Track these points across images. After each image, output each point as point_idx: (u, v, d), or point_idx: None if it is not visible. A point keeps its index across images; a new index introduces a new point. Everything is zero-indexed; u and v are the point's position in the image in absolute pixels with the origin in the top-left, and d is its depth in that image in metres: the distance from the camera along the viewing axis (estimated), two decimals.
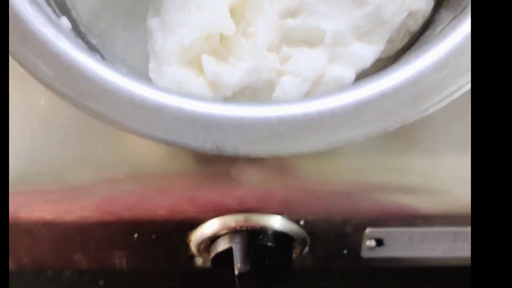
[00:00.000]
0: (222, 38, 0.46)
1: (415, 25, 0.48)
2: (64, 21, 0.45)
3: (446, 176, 0.48)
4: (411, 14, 0.47)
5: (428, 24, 0.49)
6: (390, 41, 0.47)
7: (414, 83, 0.39)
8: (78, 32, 0.49)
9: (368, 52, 0.46)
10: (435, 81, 0.39)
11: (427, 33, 0.47)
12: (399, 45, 0.48)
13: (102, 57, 0.48)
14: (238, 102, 0.43)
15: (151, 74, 0.45)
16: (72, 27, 0.47)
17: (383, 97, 0.39)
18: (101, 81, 0.39)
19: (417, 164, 0.48)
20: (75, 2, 0.50)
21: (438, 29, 0.46)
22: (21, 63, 0.39)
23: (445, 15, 0.48)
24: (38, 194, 0.48)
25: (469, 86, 0.39)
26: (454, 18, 0.42)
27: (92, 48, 0.48)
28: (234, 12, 0.47)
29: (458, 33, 0.40)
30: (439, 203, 0.49)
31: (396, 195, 0.49)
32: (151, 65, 0.46)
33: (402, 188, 0.48)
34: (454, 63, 0.39)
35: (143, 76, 0.47)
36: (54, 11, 0.44)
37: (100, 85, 0.39)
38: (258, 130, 0.39)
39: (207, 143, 0.39)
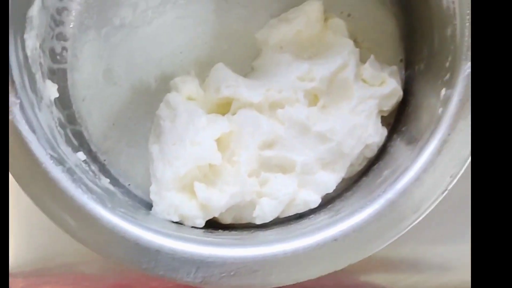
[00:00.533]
0: (211, 166, 0.56)
1: (371, 153, 0.58)
2: (80, 155, 0.56)
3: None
4: (367, 146, 0.57)
5: (383, 149, 0.59)
6: (350, 165, 0.58)
7: (359, 230, 0.50)
8: (89, 151, 0.59)
9: (331, 179, 0.57)
10: (376, 228, 0.50)
11: (381, 162, 0.57)
12: (358, 168, 0.59)
13: (109, 173, 0.59)
14: (222, 245, 0.54)
15: (152, 196, 0.57)
16: (84, 148, 0.57)
17: (335, 240, 0.51)
18: (112, 228, 0.50)
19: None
20: (87, 126, 0.60)
21: (391, 151, 0.57)
22: (46, 214, 0.50)
23: (396, 142, 0.58)
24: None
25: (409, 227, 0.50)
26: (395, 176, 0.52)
27: (100, 165, 0.59)
28: (221, 142, 0.57)
29: (396, 190, 0.50)
30: None
31: None
32: (153, 188, 0.57)
33: None
34: (389, 216, 0.50)
35: (143, 185, 0.59)
36: (70, 145, 0.55)
37: (111, 232, 0.51)
38: (237, 268, 0.51)
39: (197, 278, 0.51)
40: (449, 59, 0.50)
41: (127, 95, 0.61)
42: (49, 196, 0.47)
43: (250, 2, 0.62)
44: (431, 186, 0.47)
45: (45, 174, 0.47)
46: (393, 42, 0.63)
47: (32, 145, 0.47)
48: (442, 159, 0.47)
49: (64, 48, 0.61)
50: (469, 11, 0.48)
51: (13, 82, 0.48)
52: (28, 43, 0.54)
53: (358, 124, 0.56)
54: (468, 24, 0.48)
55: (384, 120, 0.60)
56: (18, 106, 0.47)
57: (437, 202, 0.47)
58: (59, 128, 0.55)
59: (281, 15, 0.62)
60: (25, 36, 0.53)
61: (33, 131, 0.48)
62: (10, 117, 0.47)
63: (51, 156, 0.48)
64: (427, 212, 0.47)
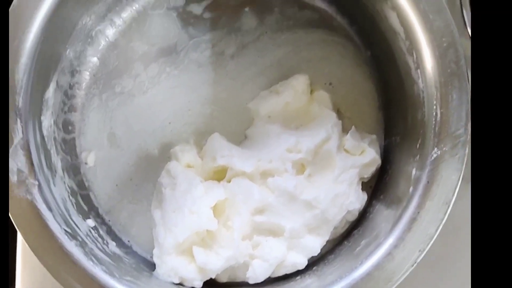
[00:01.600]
0: (208, 231, 0.63)
1: (353, 217, 0.65)
2: (89, 222, 0.62)
3: None
4: (349, 212, 0.64)
5: (364, 213, 0.65)
6: (334, 228, 0.64)
7: None
8: (97, 214, 0.66)
9: (316, 243, 0.63)
10: None
11: (361, 228, 0.64)
12: (341, 230, 0.65)
13: (114, 234, 0.65)
14: None
15: (155, 259, 0.63)
16: (93, 211, 0.64)
17: None
18: None
19: None
20: (94, 188, 0.67)
21: (369, 217, 0.63)
22: (61, 283, 0.56)
23: (375, 208, 0.64)
24: None
25: None
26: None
27: (107, 226, 0.66)
28: (217, 208, 0.63)
29: (371, 263, 0.57)
30: None
31: None
32: (156, 251, 0.63)
33: None
34: (365, 286, 0.56)
35: (144, 242, 0.66)
36: (81, 212, 0.62)
37: None
38: None
39: None
40: (419, 141, 0.56)
41: (129, 157, 0.67)
42: (64, 267, 0.54)
43: (238, 75, 0.68)
44: (401, 260, 0.53)
45: (60, 248, 0.53)
46: (373, 112, 0.69)
47: (49, 223, 0.53)
48: (412, 235, 0.53)
49: (74, 119, 0.67)
50: (435, 102, 0.54)
51: (32, 165, 0.54)
52: (45, 123, 0.60)
53: (340, 193, 0.62)
54: (434, 113, 0.54)
55: (366, 184, 0.66)
56: (36, 187, 0.53)
57: (407, 273, 0.53)
58: (71, 197, 0.61)
59: (271, 87, 0.68)
60: (42, 117, 0.59)
61: (50, 209, 0.54)
62: (29, 197, 0.53)
63: (66, 232, 0.54)
64: (399, 282, 0.53)
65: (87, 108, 0.67)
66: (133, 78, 0.68)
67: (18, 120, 0.53)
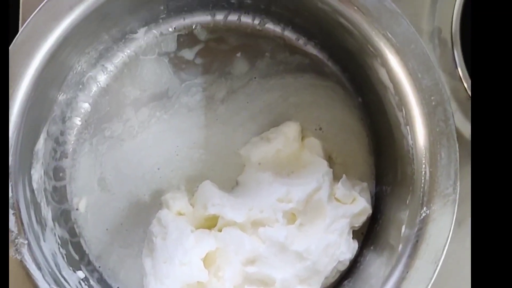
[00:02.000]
0: (199, 282, 0.63)
1: (343, 267, 0.65)
2: (80, 274, 0.62)
3: None
4: (340, 262, 0.64)
5: (354, 263, 0.65)
6: (324, 279, 0.64)
7: None
8: (88, 262, 0.66)
9: None
10: None
11: (351, 280, 0.64)
12: (331, 280, 0.65)
13: (105, 282, 0.65)
14: None
15: None
16: (83, 260, 0.65)
17: None
18: None
19: None
20: (84, 233, 0.67)
21: (360, 267, 0.63)
22: None
23: (365, 259, 0.64)
24: None
25: None
26: None
27: (98, 274, 0.66)
28: (208, 258, 0.63)
29: None
30: None
31: None
32: None
33: None
34: None
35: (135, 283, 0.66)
36: (71, 264, 0.62)
37: None
38: None
39: None
40: (409, 197, 0.56)
41: (120, 202, 0.67)
42: None
43: (228, 120, 0.69)
44: None
45: None
46: (364, 157, 0.69)
47: (39, 283, 0.53)
48: None
49: (65, 165, 0.67)
50: (424, 160, 0.54)
51: (22, 224, 0.54)
52: (35, 177, 0.60)
53: (331, 243, 0.62)
54: (423, 171, 0.54)
55: (357, 232, 0.66)
56: (26, 246, 0.53)
57: None
58: (61, 249, 0.61)
59: (263, 133, 0.68)
60: (32, 171, 0.59)
61: (39, 268, 0.54)
62: (18, 257, 0.53)
63: None
64: None
65: (78, 153, 0.67)
66: (123, 123, 0.68)
67: (8, 179, 0.53)
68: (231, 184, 0.68)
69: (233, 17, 0.70)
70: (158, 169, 0.68)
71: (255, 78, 0.69)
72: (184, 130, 0.69)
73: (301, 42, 0.69)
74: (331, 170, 0.65)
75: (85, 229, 0.66)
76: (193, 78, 0.69)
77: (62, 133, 0.66)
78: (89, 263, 0.64)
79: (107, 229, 0.67)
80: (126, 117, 0.68)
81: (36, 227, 0.57)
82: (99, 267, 0.65)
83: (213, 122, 0.69)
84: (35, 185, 0.59)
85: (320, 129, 0.69)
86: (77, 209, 0.66)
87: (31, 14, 0.55)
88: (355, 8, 0.56)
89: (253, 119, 0.69)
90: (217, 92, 0.69)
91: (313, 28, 0.66)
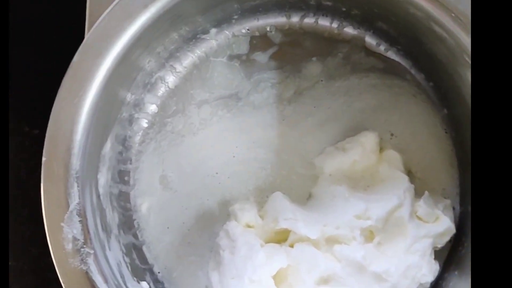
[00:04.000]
0: None
1: None
2: (144, 285, 0.59)
3: None
4: (420, 285, 0.59)
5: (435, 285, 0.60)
6: None
7: None
8: (151, 271, 0.63)
9: None
10: None
11: None
12: None
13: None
14: None
15: None
16: (146, 268, 0.62)
17: None
18: None
19: None
20: (145, 236, 0.65)
21: None
22: None
23: (449, 282, 0.59)
24: None
25: None
26: None
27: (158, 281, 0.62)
28: (278, 275, 0.59)
29: None
30: None
31: None
32: None
33: None
34: None
35: None
36: (136, 274, 0.59)
37: None
38: None
39: None
40: None
41: (182, 200, 0.64)
42: None
43: (295, 124, 0.65)
44: None
45: None
46: (447, 170, 0.64)
47: None
48: None
49: (129, 167, 0.64)
50: None
51: (88, 232, 0.51)
52: (101, 181, 0.57)
53: (412, 264, 0.57)
54: None
55: (438, 253, 0.61)
56: (92, 256, 0.50)
57: None
58: (125, 257, 0.58)
59: (338, 143, 0.64)
60: (99, 175, 0.56)
61: (106, 280, 0.51)
62: (84, 268, 0.49)
63: None
64: None
65: (143, 153, 0.65)
66: (185, 118, 0.66)
67: (75, 185, 0.50)
68: (304, 195, 0.63)
69: (310, 20, 0.66)
70: (217, 173, 0.64)
71: (321, 80, 0.65)
72: (245, 130, 0.65)
73: (382, 47, 0.64)
74: (413, 186, 0.60)
75: (147, 231, 0.64)
76: (262, 72, 0.65)
77: (128, 135, 0.63)
78: (152, 272, 0.61)
79: (168, 228, 0.64)
80: (188, 113, 0.65)
81: (102, 235, 0.54)
82: (160, 274, 0.62)
83: (279, 123, 0.65)
84: (101, 190, 0.56)
85: (392, 135, 0.64)
86: (139, 211, 0.63)
87: (98, 12, 0.51)
88: (452, 15, 0.50)
89: (321, 126, 0.65)
90: (285, 91, 0.66)
91: (398, 33, 0.61)
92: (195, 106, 0.65)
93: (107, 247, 0.54)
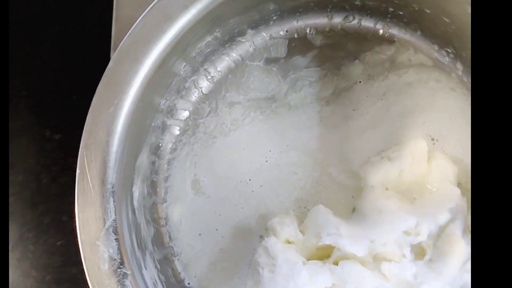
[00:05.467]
0: None
1: None
2: None
3: None
4: None
5: None
6: None
7: None
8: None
9: None
10: None
11: None
12: None
13: None
14: None
15: None
16: (177, 279, 0.58)
17: None
18: None
19: None
20: (176, 245, 0.61)
21: None
22: None
23: None
24: None
25: None
26: None
27: None
28: None
29: None
30: None
31: None
32: None
33: None
34: None
35: None
36: None
37: None
38: None
39: None
40: None
41: (215, 205, 0.61)
42: None
43: (333, 128, 0.62)
44: None
45: None
46: None
47: None
48: None
49: (161, 178, 0.60)
50: None
51: (125, 250, 0.47)
52: (136, 194, 0.54)
53: (467, 284, 0.54)
54: None
55: None
56: (129, 277, 0.47)
57: None
58: (160, 275, 0.54)
59: (383, 153, 0.60)
60: (133, 188, 0.53)
61: None
62: None
63: None
64: None
65: (175, 159, 0.62)
66: (216, 118, 0.62)
67: (112, 200, 0.47)
68: (346, 210, 0.61)
69: (352, 21, 0.61)
70: (250, 180, 0.61)
71: (360, 82, 0.62)
72: (279, 132, 0.62)
73: (431, 50, 0.59)
74: (465, 198, 0.56)
75: (178, 239, 0.60)
76: (299, 71, 0.62)
77: (161, 143, 0.59)
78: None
79: (200, 235, 0.60)
80: (220, 113, 0.62)
81: (138, 253, 0.50)
82: (190, 284, 0.58)
83: (316, 124, 0.62)
84: (136, 204, 0.53)
85: (433, 139, 0.60)
86: (170, 220, 0.60)
87: (125, 13, 0.48)
88: None
89: (360, 132, 0.61)
90: (323, 90, 0.62)
91: (450, 35, 0.56)
92: (227, 106, 0.62)
93: (143, 266, 0.51)
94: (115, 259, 0.47)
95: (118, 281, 0.47)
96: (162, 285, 0.54)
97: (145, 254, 0.53)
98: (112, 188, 0.48)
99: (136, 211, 0.53)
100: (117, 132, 0.48)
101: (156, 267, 0.55)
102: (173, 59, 0.52)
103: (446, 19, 0.56)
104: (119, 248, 0.48)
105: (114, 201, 0.48)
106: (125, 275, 0.47)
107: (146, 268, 0.51)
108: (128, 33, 0.49)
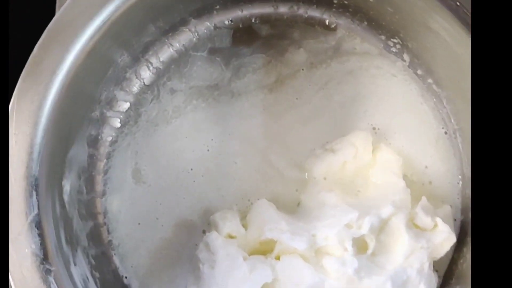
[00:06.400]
0: None
1: None
2: None
3: None
4: None
5: None
6: None
7: None
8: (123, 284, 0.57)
9: None
10: None
11: None
12: None
13: None
14: None
15: None
16: (115, 275, 0.57)
17: None
18: None
19: None
20: (114, 236, 0.59)
21: None
22: None
23: None
24: None
25: None
26: None
27: None
28: None
29: None
30: None
31: None
32: None
33: None
34: None
35: None
36: None
37: None
38: None
39: None
40: None
41: (156, 195, 0.59)
42: None
43: (277, 117, 0.60)
44: None
45: None
46: (448, 175, 0.59)
47: None
48: None
49: (100, 171, 0.59)
50: None
51: (49, 245, 0.45)
52: (66, 188, 0.52)
53: (410, 278, 0.53)
54: None
55: (437, 263, 0.56)
56: (53, 274, 0.45)
57: None
58: (94, 272, 0.53)
59: (327, 145, 0.59)
60: (64, 182, 0.51)
61: None
62: (43, 286, 0.44)
63: None
64: None
65: (115, 151, 0.60)
66: (159, 105, 0.60)
67: (34, 193, 0.44)
68: (292, 203, 0.59)
69: (298, 10, 0.60)
70: (191, 169, 0.59)
71: (303, 69, 0.60)
72: (221, 120, 0.60)
73: (378, 41, 0.58)
74: (409, 190, 0.55)
75: (117, 231, 0.59)
76: (242, 57, 0.60)
77: (100, 136, 0.57)
78: (123, 285, 0.55)
79: (139, 224, 0.58)
80: (162, 99, 0.60)
81: (66, 249, 0.48)
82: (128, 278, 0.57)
83: (259, 112, 0.60)
84: (66, 198, 0.51)
85: (374, 128, 0.60)
86: (110, 212, 0.59)
87: None
88: None
89: (304, 122, 0.60)
90: (266, 78, 0.61)
91: (395, 25, 0.55)
92: (169, 92, 0.60)
93: (72, 262, 0.48)
94: (38, 255, 0.45)
95: (41, 277, 0.45)
96: (95, 281, 0.52)
97: (76, 250, 0.51)
98: (35, 181, 0.45)
99: (67, 205, 0.51)
100: (41, 123, 0.46)
101: (89, 263, 0.53)
102: (106, 45, 0.50)
103: (389, 9, 0.55)
104: (42, 244, 0.45)
105: (37, 195, 0.45)
106: (48, 271, 0.45)
107: (75, 264, 0.49)
108: (54, 19, 0.47)
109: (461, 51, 0.49)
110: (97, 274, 0.54)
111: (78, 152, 0.54)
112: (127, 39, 0.55)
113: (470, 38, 0.47)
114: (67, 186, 0.51)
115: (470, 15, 0.46)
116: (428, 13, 0.49)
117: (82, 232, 0.53)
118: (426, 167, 0.59)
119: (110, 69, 0.56)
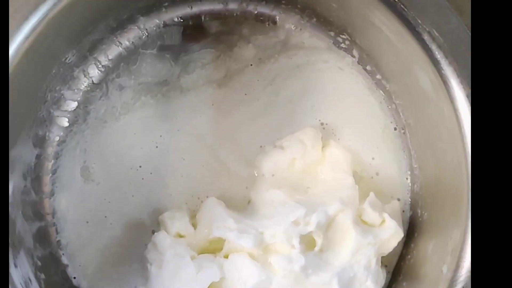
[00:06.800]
0: None
1: None
2: None
3: None
4: None
5: None
6: None
7: None
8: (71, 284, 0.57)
9: None
10: None
11: None
12: None
13: None
14: None
15: None
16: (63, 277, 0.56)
17: None
18: None
19: None
20: (63, 236, 0.59)
21: None
22: None
23: None
24: None
25: None
26: None
27: None
28: None
29: None
30: None
31: None
32: None
33: None
34: None
35: None
36: None
37: None
38: None
39: None
40: (454, 232, 0.46)
41: (105, 193, 0.59)
42: None
43: (226, 113, 0.60)
44: None
45: None
46: (397, 171, 0.60)
47: None
48: None
49: (47, 171, 0.58)
50: None
51: None
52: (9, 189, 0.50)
53: (357, 274, 0.53)
54: None
55: (385, 259, 0.57)
56: None
57: None
58: (38, 273, 0.52)
59: (277, 142, 0.59)
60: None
61: None
62: None
63: None
64: None
65: (62, 150, 0.59)
66: (107, 101, 0.60)
67: None
68: (242, 201, 0.60)
69: (248, 7, 0.60)
70: (140, 167, 0.59)
71: (251, 65, 0.60)
72: (170, 116, 0.60)
73: (327, 37, 0.58)
74: (357, 186, 0.56)
75: (65, 230, 0.58)
76: (191, 52, 0.60)
77: (47, 136, 0.56)
78: (71, 286, 0.54)
79: (87, 222, 0.58)
80: (110, 96, 0.59)
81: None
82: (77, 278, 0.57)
83: (208, 108, 0.60)
84: (10, 198, 0.49)
85: (322, 124, 0.60)
86: (58, 212, 0.58)
87: None
88: None
89: (253, 119, 0.60)
90: (215, 73, 0.60)
91: (342, 21, 0.56)
92: (117, 88, 0.59)
93: (12, 265, 0.47)
94: None
95: None
96: (39, 283, 0.51)
97: (18, 252, 0.50)
98: None
99: (9, 207, 0.50)
100: None
101: (34, 264, 0.52)
102: (47, 42, 0.49)
103: (334, 5, 0.55)
104: None
105: None
106: None
107: (16, 266, 0.48)
108: None
109: (401, 46, 0.50)
110: (42, 276, 0.53)
111: (22, 153, 0.53)
112: (72, 36, 0.54)
113: (409, 33, 0.47)
114: (9, 187, 0.50)
115: (407, 11, 0.46)
116: (369, 9, 0.49)
117: (26, 233, 0.52)
118: (373, 158, 0.59)
119: (54, 67, 0.54)
